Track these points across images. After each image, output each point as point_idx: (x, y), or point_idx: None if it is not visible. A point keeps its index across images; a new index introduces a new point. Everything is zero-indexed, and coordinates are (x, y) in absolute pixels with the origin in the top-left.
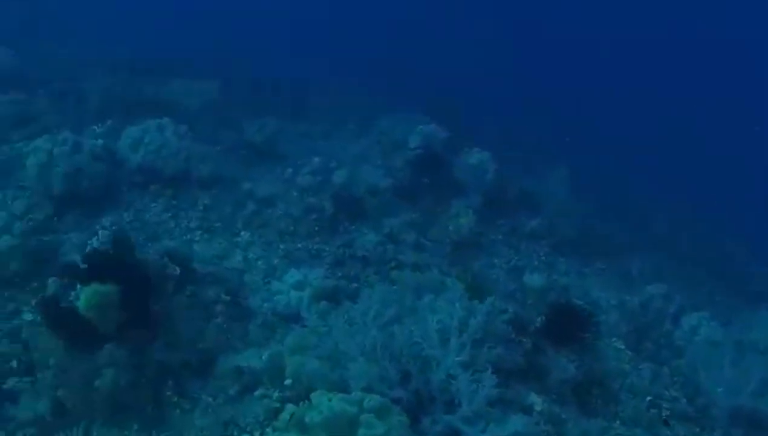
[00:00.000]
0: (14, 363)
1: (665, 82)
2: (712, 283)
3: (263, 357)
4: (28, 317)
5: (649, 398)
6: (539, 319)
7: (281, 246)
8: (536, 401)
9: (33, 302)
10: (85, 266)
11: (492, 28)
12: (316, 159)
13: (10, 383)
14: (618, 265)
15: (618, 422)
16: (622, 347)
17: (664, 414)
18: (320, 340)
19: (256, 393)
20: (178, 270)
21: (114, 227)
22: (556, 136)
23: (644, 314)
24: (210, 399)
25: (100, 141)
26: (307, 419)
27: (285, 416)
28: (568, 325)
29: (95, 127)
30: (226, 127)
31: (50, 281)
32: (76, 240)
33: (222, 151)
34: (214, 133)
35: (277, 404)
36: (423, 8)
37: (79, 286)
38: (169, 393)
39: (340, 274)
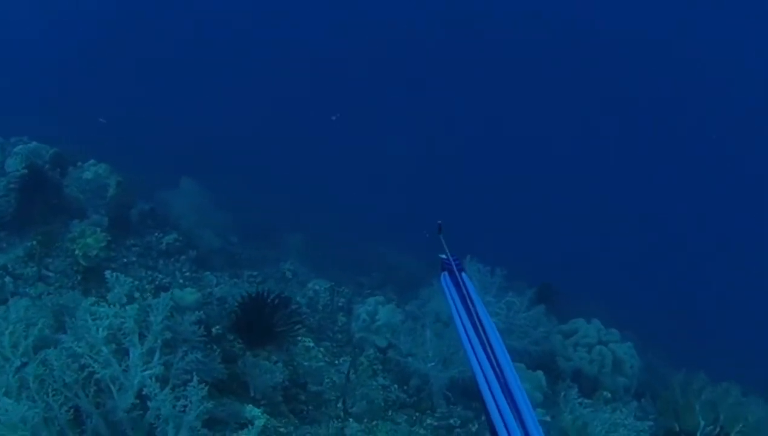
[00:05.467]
0: None
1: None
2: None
3: None
4: None
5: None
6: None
7: None
8: (256, 414)
9: None
10: None
11: None
12: None
13: None
14: (271, 269)
15: (351, 419)
16: (312, 344)
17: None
18: None
19: None
20: None
21: None
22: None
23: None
24: None
25: None
26: None
27: None
28: (261, 320)
29: None
30: None
31: None
32: None
33: None
34: None
35: None
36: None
37: None
38: None
39: None
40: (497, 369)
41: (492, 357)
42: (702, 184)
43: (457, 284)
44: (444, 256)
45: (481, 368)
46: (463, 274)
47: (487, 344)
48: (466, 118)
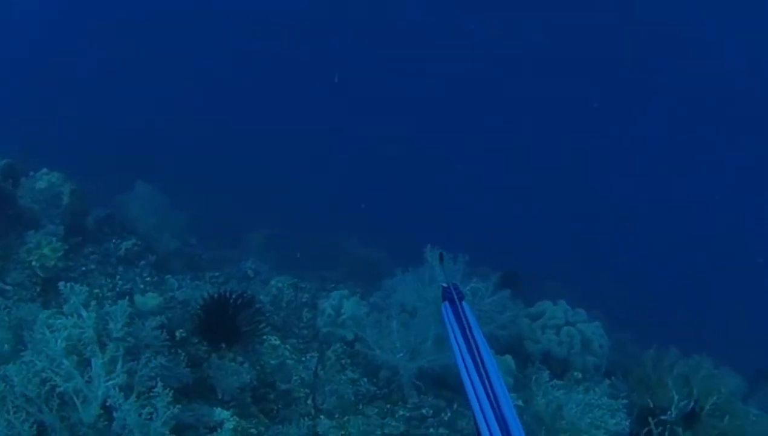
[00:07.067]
0: None
1: None
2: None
3: None
4: None
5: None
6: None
7: None
8: (226, 416)
9: None
10: None
11: None
12: None
13: None
14: (232, 269)
15: (322, 416)
16: (278, 342)
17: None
18: None
19: None
20: None
21: None
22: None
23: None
24: None
25: None
26: None
27: None
28: (225, 321)
29: None
30: None
31: None
32: None
33: None
34: None
35: None
36: None
37: None
38: None
39: None
40: (495, 404)
41: (490, 390)
42: (662, 166)
43: (457, 314)
44: (445, 284)
45: (480, 405)
46: (464, 303)
47: (485, 378)
48: (427, 100)
